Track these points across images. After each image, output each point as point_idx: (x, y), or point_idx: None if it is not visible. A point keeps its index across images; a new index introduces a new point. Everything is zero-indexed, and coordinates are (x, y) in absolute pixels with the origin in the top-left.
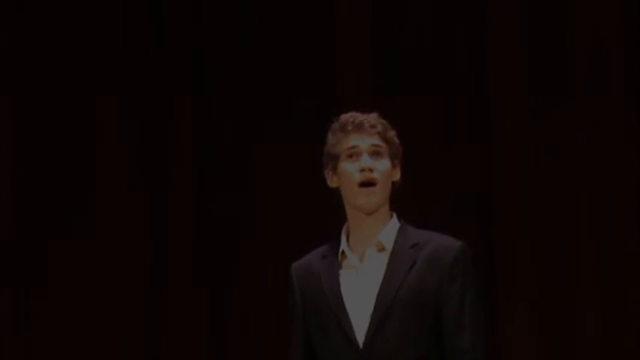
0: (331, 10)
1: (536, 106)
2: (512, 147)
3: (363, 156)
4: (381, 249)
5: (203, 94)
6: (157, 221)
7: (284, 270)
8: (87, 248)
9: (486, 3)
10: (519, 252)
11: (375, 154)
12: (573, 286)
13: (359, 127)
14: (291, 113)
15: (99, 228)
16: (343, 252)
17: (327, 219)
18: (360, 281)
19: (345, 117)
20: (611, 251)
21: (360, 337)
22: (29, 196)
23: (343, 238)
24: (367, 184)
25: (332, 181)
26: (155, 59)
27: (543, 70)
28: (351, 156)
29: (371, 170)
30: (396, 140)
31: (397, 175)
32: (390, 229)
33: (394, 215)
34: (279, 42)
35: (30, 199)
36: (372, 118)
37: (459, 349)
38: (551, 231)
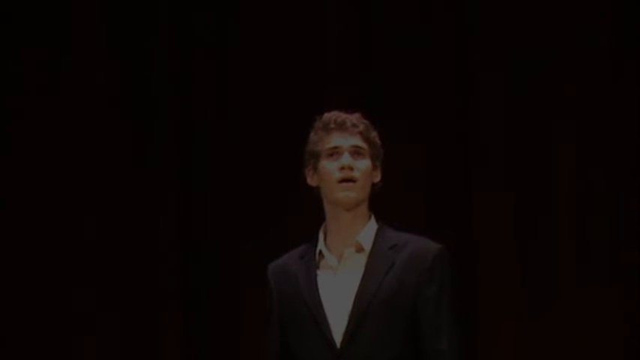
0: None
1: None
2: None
3: (343, 155)
4: (360, 249)
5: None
6: None
7: None
8: None
9: None
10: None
11: (356, 153)
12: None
13: (341, 126)
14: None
15: None
16: (321, 252)
17: None
18: (338, 282)
19: (328, 115)
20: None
21: (338, 337)
22: None
23: (321, 238)
24: (347, 180)
25: (312, 180)
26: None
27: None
28: (331, 155)
29: (351, 169)
30: (378, 141)
31: (378, 177)
32: (368, 229)
33: (372, 216)
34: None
35: None
36: (355, 117)
37: (436, 351)
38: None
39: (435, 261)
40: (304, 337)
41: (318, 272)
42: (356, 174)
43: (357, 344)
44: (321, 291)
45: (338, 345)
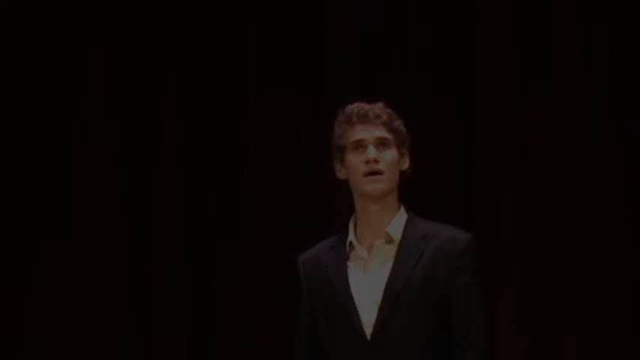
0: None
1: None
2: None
3: (368, 148)
4: (389, 241)
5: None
6: None
7: None
8: None
9: None
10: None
11: (381, 145)
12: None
13: (364, 118)
14: None
15: None
16: (351, 243)
17: None
18: (368, 273)
19: (351, 108)
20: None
21: (368, 328)
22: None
23: (351, 229)
24: (373, 173)
25: (340, 173)
26: None
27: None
28: (357, 148)
29: (376, 161)
30: (403, 129)
31: (406, 164)
32: (398, 220)
33: (402, 207)
34: None
35: None
36: (378, 108)
37: (466, 342)
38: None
39: (465, 251)
40: (335, 328)
41: (349, 263)
42: (382, 166)
43: (387, 335)
44: (351, 282)
45: (368, 336)
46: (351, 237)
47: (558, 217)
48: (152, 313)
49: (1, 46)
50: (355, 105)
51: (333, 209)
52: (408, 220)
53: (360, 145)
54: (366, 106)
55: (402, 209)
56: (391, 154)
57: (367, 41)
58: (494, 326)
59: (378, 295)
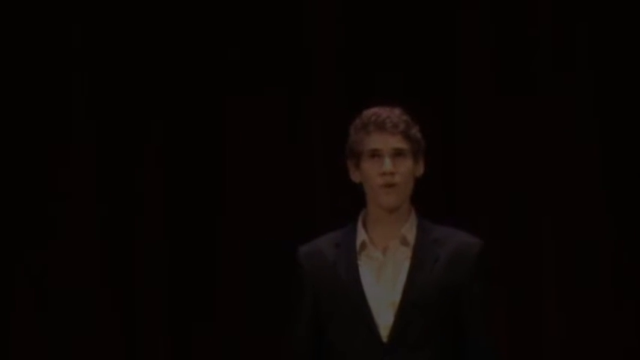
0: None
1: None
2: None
3: (384, 159)
4: (404, 243)
5: None
6: None
7: None
8: None
9: None
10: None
11: (397, 155)
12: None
13: (381, 127)
14: None
15: None
16: (363, 242)
17: None
18: (383, 275)
19: (368, 114)
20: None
21: (384, 331)
22: None
23: (360, 228)
24: (388, 186)
25: (354, 176)
26: None
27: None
28: (372, 157)
29: (392, 174)
30: (419, 136)
31: (420, 170)
32: (410, 223)
33: (413, 210)
34: None
35: None
36: (395, 115)
37: (482, 348)
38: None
39: (479, 256)
40: (345, 330)
41: (360, 263)
42: (397, 179)
43: (404, 337)
44: (364, 283)
45: (384, 338)
46: (363, 236)
47: (539, 217)
48: (134, 313)
49: None
50: (372, 111)
51: (318, 209)
52: (419, 224)
53: (376, 155)
54: (383, 114)
55: (414, 213)
56: (406, 165)
57: (351, 42)
58: None
59: (394, 298)
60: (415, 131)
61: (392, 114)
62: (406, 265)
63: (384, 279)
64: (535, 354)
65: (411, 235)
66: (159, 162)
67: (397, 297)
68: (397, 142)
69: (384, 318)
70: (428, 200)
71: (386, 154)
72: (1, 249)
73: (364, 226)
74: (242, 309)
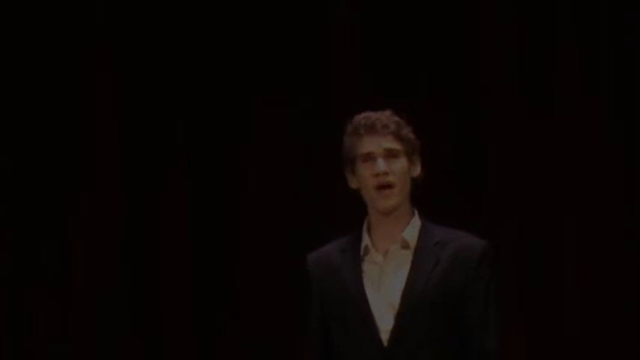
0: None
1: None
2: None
3: (377, 160)
4: (405, 246)
5: None
6: None
7: None
8: None
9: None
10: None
11: (390, 156)
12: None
13: (371, 130)
14: None
15: None
16: (367, 247)
17: None
18: (384, 278)
19: (358, 119)
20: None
21: (385, 334)
22: None
23: (365, 232)
24: (383, 187)
25: (352, 183)
26: None
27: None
28: (366, 160)
29: (386, 174)
30: (412, 136)
31: (417, 170)
32: (413, 226)
33: (416, 212)
34: None
35: None
36: (385, 117)
37: (484, 350)
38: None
39: (482, 258)
40: (349, 334)
41: (363, 268)
42: (391, 178)
43: (404, 342)
44: (366, 287)
45: (385, 342)
46: (366, 241)
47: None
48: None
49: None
50: (362, 116)
51: (336, 218)
52: (422, 226)
53: (369, 158)
54: (373, 116)
55: (417, 215)
56: (401, 164)
57: (369, 58)
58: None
59: (394, 301)
60: (407, 131)
61: (382, 116)
62: (407, 268)
63: (385, 283)
64: (557, 355)
65: (412, 238)
66: (181, 175)
67: (397, 301)
68: (389, 143)
69: (385, 322)
70: (453, 203)
71: (378, 156)
72: (22, 263)
73: (368, 231)
74: (265, 313)
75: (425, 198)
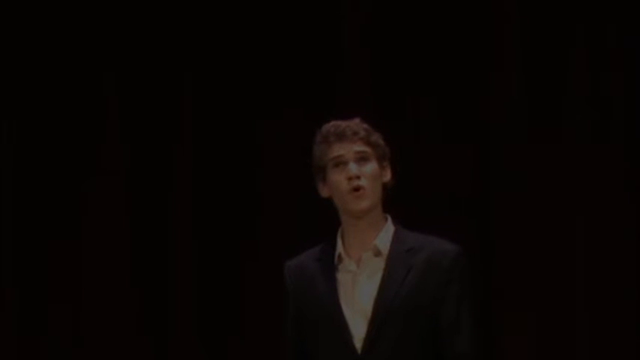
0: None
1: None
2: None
3: (349, 164)
4: (377, 253)
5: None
6: None
7: None
8: None
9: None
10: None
11: (361, 159)
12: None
13: (341, 137)
14: None
15: None
16: (340, 255)
17: None
18: (357, 286)
19: (327, 127)
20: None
21: (358, 342)
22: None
23: (339, 241)
24: (357, 189)
25: (323, 191)
26: None
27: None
28: (337, 165)
29: (358, 177)
30: (381, 142)
31: (387, 176)
32: (385, 233)
33: (389, 219)
34: None
35: None
36: (354, 124)
37: (457, 353)
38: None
39: (454, 262)
40: (323, 342)
41: (337, 276)
42: (364, 182)
43: (377, 349)
44: (340, 295)
45: (359, 350)
46: (340, 249)
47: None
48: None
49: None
50: (331, 124)
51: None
52: (395, 233)
53: (340, 162)
54: (342, 124)
55: (389, 222)
56: (372, 167)
57: (379, 75)
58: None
59: (367, 309)
60: (377, 137)
61: (351, 123)
62: (379, 276)
63: (358, 291)
64: (565, 355)
65: (384, 246)
66: (189, 174)
67: (370, 309)
68: (359, 147)
69: (359, 330)
70: (458, 219)
71: (350, 159)
72: (31, 268)
73: (341, 238)
74: (272, 315)
75: (434, 204)
